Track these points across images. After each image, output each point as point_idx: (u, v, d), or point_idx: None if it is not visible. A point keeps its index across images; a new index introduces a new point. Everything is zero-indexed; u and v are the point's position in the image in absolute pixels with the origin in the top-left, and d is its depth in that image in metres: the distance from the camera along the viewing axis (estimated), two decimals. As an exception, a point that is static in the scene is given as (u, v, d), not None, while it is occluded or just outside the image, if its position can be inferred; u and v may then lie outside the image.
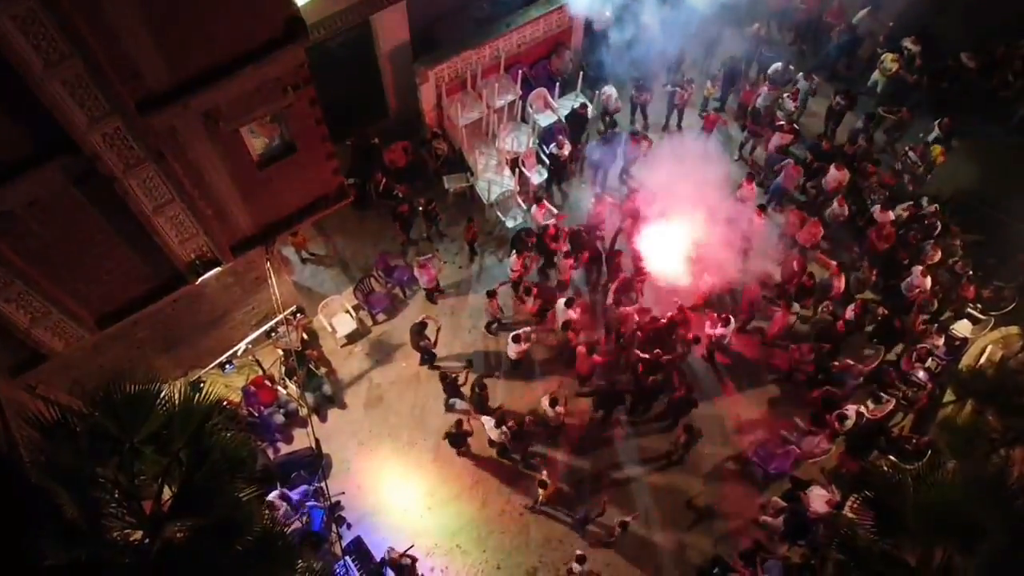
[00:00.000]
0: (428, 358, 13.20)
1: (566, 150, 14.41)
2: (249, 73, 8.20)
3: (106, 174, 7.95)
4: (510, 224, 14.39)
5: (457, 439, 12.21)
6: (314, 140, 9.80)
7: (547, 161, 14.79)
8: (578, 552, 11.03)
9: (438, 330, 12.91)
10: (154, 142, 8.04)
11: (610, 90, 15.16)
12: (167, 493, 6.77)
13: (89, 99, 7.20)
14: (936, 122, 14.81)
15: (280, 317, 12.10)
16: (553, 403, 11.94)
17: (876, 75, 15.85)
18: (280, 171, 9.80)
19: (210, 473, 6.73)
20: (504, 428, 11.74)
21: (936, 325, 12.81)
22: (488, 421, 11.90)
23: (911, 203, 14.10)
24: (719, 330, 12.71)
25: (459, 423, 12.08)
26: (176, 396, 6.89)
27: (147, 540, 6.46)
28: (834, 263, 13.45)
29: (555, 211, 14.05)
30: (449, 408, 12.98)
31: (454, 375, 12.65)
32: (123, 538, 6.45)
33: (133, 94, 7.56)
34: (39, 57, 6.69)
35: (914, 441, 11.72)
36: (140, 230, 8.93)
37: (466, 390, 12.81)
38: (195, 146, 8.58)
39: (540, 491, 11.75)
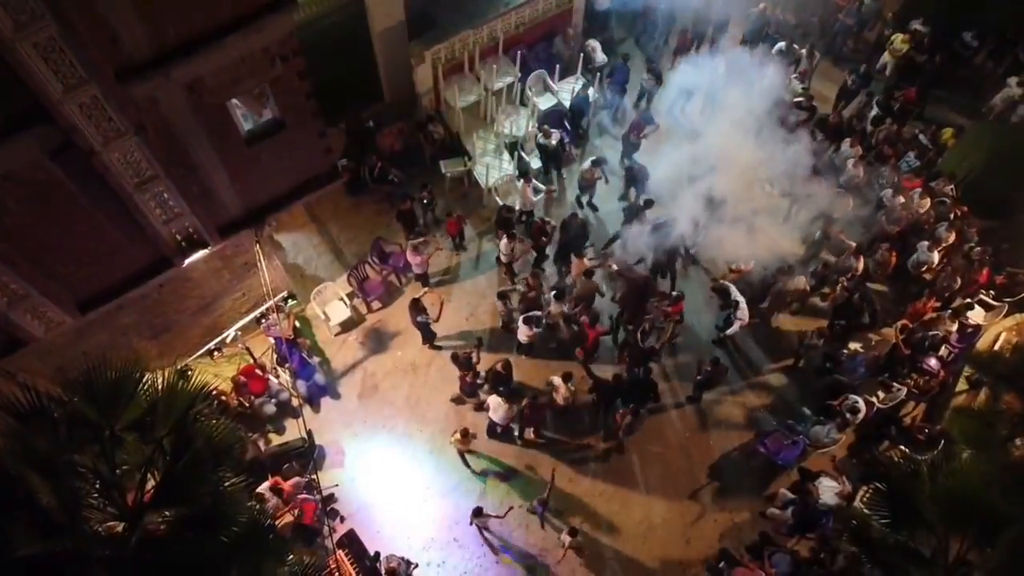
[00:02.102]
0: (428, 335, 12.88)
1: (553, 139, 14.04)
2: (235, 42, 7.82)
3: (84, 147, 7.56)
4: (509, 210, 14.02)
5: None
6: (304, 116, 9.43)
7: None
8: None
9: (442, 304, 12.59)
10: (135, 114, 7.66)
11: (594, 43, 14.93)
12: (150, 482, 6.47)
13: (64, 65, 6.80)
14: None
15: (271, 303, 11.75)
16: (567, 378, 11.76)
17: (886, 56, 15.53)
18: (269, 149, 9.44)
19: (194, 462, 6.47)
20: (513, 406, 11.53)
21: (949, 312, 12.49)
22: (494, 399, 11.60)
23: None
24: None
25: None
26: (160, 382, 6.58)
27: (128, 531, 6.15)
28: (852, 243, 13.12)
29: (543, 188, 13.64)
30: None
31: (465, 354, 12.26)
32: (103, 529, 6.18)
33: (111, 61, 7.17)
34: (9, 18, 6.28)
35: (926, 431, 11.47)
36: (122, 208, 8.56)
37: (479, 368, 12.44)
38: (179, 120, 8.19)
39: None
